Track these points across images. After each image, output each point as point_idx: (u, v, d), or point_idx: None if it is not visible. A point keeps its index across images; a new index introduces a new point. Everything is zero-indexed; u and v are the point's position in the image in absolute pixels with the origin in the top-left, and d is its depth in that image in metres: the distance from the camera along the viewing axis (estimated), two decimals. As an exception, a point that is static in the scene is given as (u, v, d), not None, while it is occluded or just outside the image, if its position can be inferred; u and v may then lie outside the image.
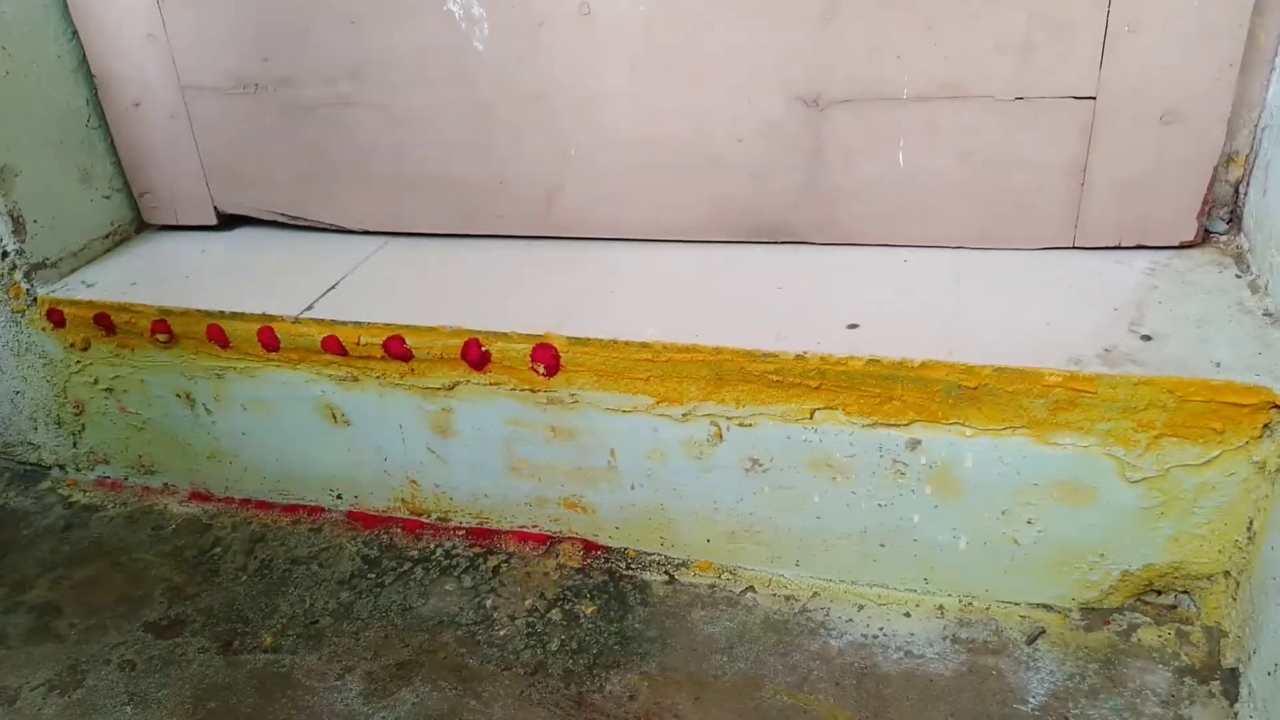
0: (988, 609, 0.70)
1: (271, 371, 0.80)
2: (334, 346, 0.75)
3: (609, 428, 0.72)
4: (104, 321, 0.83)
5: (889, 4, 0.69)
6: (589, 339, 0.69)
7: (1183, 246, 0.73)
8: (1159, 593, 0.67)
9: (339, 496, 0.84)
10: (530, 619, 0.73)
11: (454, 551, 0.81)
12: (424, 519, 0.83)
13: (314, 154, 0.86)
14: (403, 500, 0.83)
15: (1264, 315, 0.64)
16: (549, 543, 0.80)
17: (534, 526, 0.80)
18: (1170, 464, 0.61)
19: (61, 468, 0.95)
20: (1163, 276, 0.70)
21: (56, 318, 0.86)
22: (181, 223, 0.95)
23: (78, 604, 0.79)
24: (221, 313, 0.78)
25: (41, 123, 0.85)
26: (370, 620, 0.75)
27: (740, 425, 0.68)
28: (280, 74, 0.83)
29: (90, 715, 0.69)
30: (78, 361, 0.87)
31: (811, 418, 0.67)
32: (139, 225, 0.97)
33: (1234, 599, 0.63)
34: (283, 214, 0.91)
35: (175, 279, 0.86)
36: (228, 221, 0.94)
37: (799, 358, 0.65)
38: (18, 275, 0.86)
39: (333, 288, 0.81)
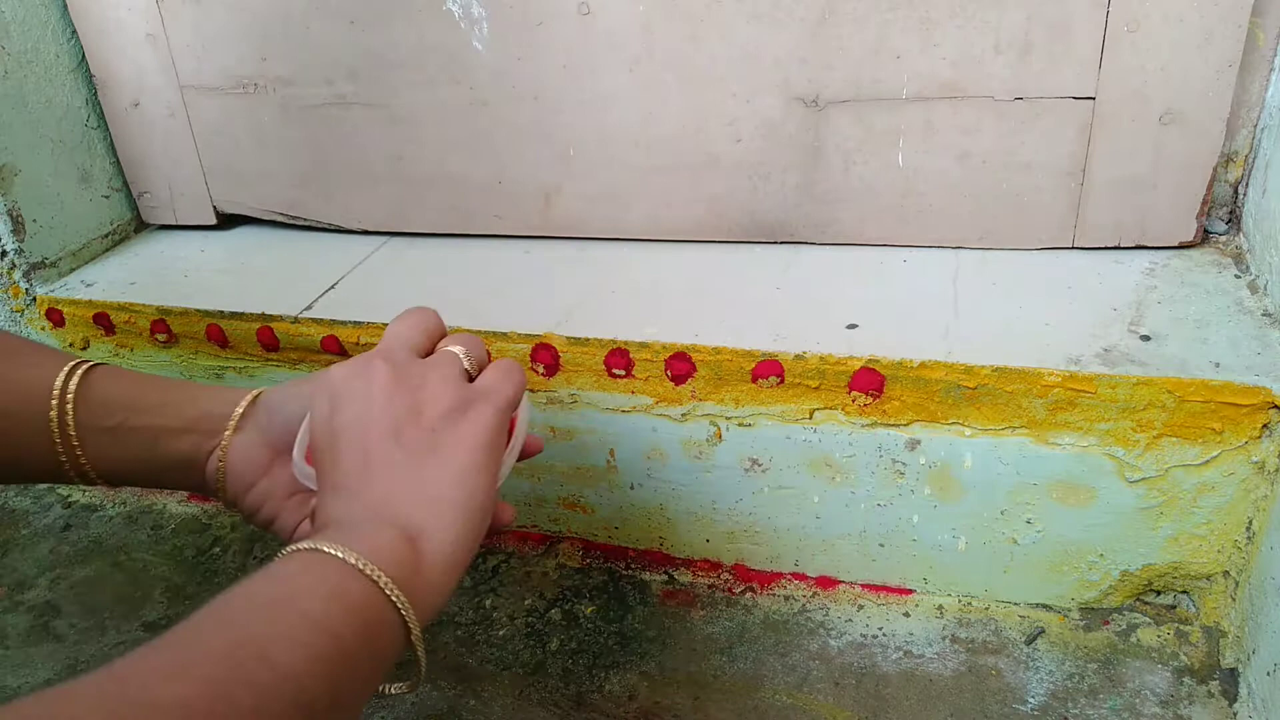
0: (987, 609, 0.70)
1: (271, 371, 0.80)
2: (333, 346, 0.75)
3: (608, 427, 0.72)
4: (103, 321, 0.83)
5: (889, 4, 0.69)
6: (589, 339, 0.69)
7: (1182, 247, 0.73)
8: (1158, 593, 0.67)
9: (338, 496, 0.84)
10: (529, 619, 0.73)
11: (453, 551, 0.81)
12: (423, 519, 0.83)
13: (313, 154, 0.86)
14: (402, 500, 0.83)
15: (1263, 315, 0.64)
16: (548, 542, 0.80)
17: (533, 526, 0.80)
18: (1170, 464, 0.61)
19: (60, 467, 0.94)
20: (1162, 277, 0.70)
21: (56, 317, 0.86)
22: (181, 222, 0.95)
23: (77, 604, 0.79)
24: (221, 312, 0.78)
25: (40, 122, 0.85)
26: (369, 620, 0.74)
27: (740, 425, 0.69)
28: (279, 73, 0.83)
29: (89, 715, 0.68)
30: (77, 361, 0.87)
31: (811, 418, 0.67)
32: (138, 225, 0.97)
33: (1233, 599, 0.63)
34: (282, 214, 0.91)
35: (174, 279, 0.86)
36: (227, 221, 0.95)
37: (798, 358, 0.65)
38: (17, 275, 0.86)
39: (332, 287, 0.81)
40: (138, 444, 0.51)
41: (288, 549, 0.38)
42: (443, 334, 0.50)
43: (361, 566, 0.36)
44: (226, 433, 0.52)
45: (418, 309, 0.50)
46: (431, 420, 0.42)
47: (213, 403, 0.52)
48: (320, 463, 0.44)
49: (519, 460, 0.50)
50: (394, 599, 0.36)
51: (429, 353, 0.49)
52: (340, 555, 0.36)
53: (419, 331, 0.48)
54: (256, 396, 0.53)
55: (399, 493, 0.40)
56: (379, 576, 0.36)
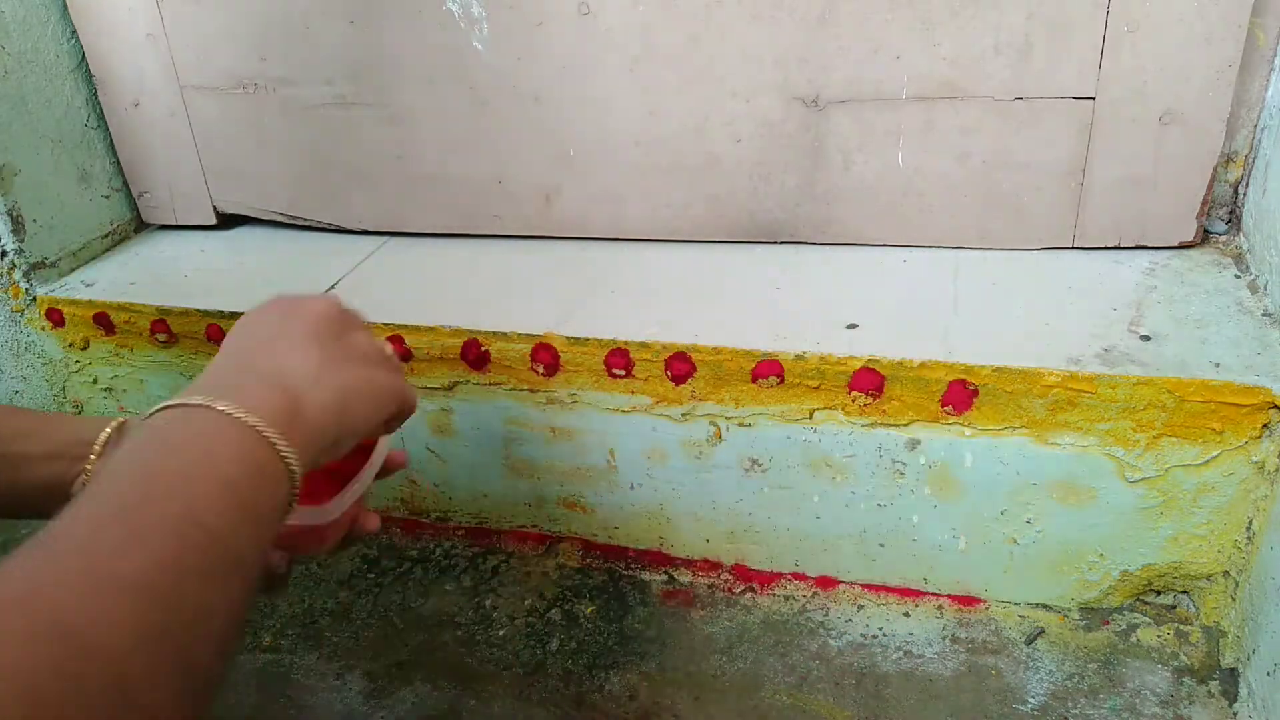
0: (987, 609, 0.70)
1: (271, 371, 0.80)
2: (333, 346, 0.75)
3: (608, 427, 0.72)
4: (103, 321, 0.83)
5: (889, 4, 0.69)
6: (589, 339, 0.69)
7: (1182, 247, 0.73)
8: (1158, 593, 0.67)
9: (338, 496, 0.84)
10: (529, 619, 0.73)
11: (453, 551, 0.81)
12: (423, 519, 0.83)
13: (313, 154, 0.86)
14: (401, 500, 0.83)
15: (1263, 315, 0.64)
16: (548, 542, 0.80)
17: (533, 526, 0.80)
18: (1170, 464, 0.61)
19: (60, 467, 0.94)
20: (1162, 277, 0.70)
21: (55, 317, 0.86)
22: (181, 222, 0.95)
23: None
24: (221, 312, 0.78)
25: (40, 122, 0.85)
26: (369, 620, 0.75)
27: (740, 425, 0.69)
28: (279, 73, 0.83)
29: (89, 715, 0.68)
30: (77, 361, 0.87)
31: (811, 418, 0.67)
32: (138, 225, 0.97)
33: (1233, 599, 0.63)
34: (282, 214, 0.91)
35: (175, 279, 0.86)
36: (227, 221, 0.94)
37: (798, 358, 0.65)
38: (17, 275, 0.86)
39: (332, 287, 0.81)
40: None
41: (176, 404, 0.39)
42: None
43: (257, 425, 0.39)
44: (92, 457, 0.53)
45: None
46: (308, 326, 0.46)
47: (78, 430, 0.54)
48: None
49: (385, 476, 0.54)
50: (284, 455, 0.39)
51: None
52: (230, 412, 0.39)
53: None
54: (122, 424, 0.54)
55: (277, 364, 0.43)
56: (269, 433, 0.39)
